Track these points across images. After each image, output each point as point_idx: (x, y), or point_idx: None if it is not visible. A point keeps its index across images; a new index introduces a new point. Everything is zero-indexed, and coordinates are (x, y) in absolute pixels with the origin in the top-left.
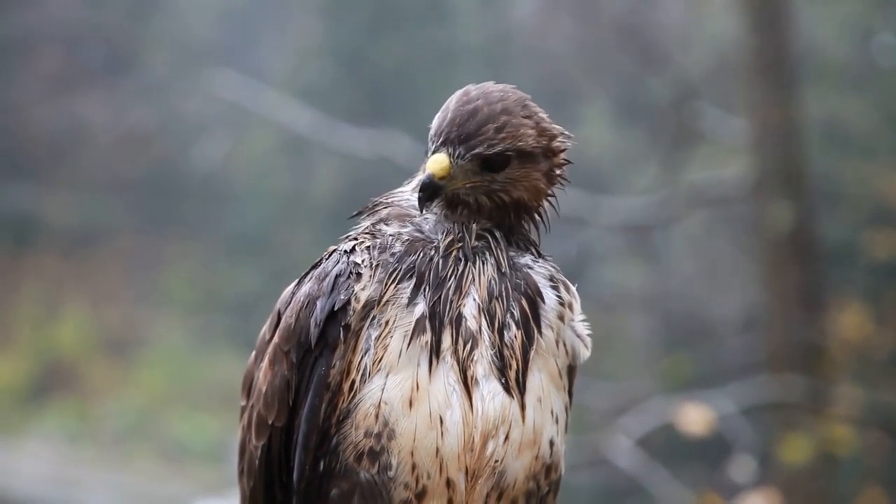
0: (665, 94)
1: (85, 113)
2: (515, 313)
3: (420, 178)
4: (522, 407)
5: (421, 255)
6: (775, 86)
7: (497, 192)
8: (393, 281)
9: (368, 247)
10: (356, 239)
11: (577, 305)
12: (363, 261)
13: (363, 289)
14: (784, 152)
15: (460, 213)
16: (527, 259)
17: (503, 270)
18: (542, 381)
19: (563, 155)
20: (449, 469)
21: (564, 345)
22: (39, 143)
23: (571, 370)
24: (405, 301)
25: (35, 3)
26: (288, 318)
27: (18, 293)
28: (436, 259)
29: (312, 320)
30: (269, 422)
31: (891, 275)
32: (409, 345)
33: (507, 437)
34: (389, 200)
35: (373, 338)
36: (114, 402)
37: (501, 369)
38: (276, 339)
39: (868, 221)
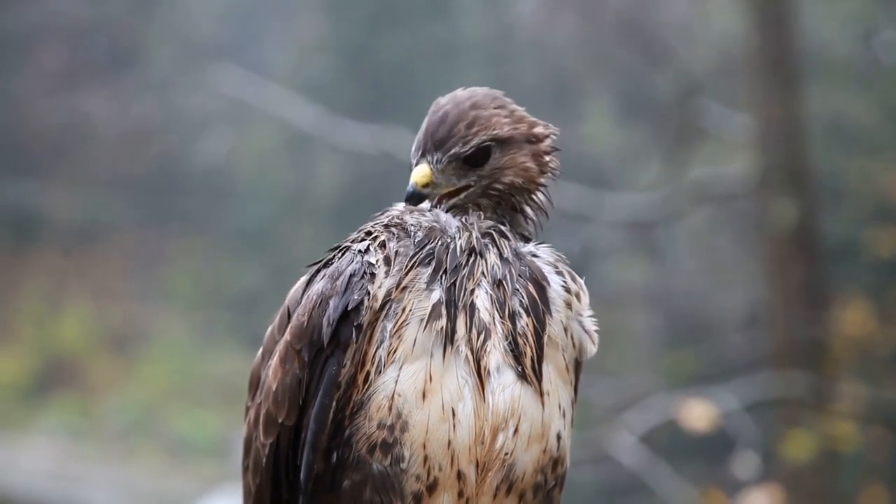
0: (669, 91)
1: (88, 108)
2: (524, 300)
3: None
4: (541, 393)
5: (439, 242)
6: (779, 83)
7: (490, 186)
8: (413, 265)
9: (383, 242)
10: (370, 236)
11: (585, 298)
12: (377, 261)
13: (380, 287)
14: (787, 149)
15: (468, 213)
16: (530, 247)
17: (506, 257)
18: (550, 375)
19: (548, 142)
20: (460, 461)
21: (572, 337)
22: (42, 138)
23: (578, 365)
24: (423, 286)
25: None
26: (300, 317)
27: (20, 289)
28: (452, 246)
29: (325, 319)
30: (279, 420)
31: (894, 272)
32: (424, 329)
33: (516, 430)
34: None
35: (388, 329)
36: (116, 398)
37: (517, 357)
38: (287, 336)
39: (871, 218)
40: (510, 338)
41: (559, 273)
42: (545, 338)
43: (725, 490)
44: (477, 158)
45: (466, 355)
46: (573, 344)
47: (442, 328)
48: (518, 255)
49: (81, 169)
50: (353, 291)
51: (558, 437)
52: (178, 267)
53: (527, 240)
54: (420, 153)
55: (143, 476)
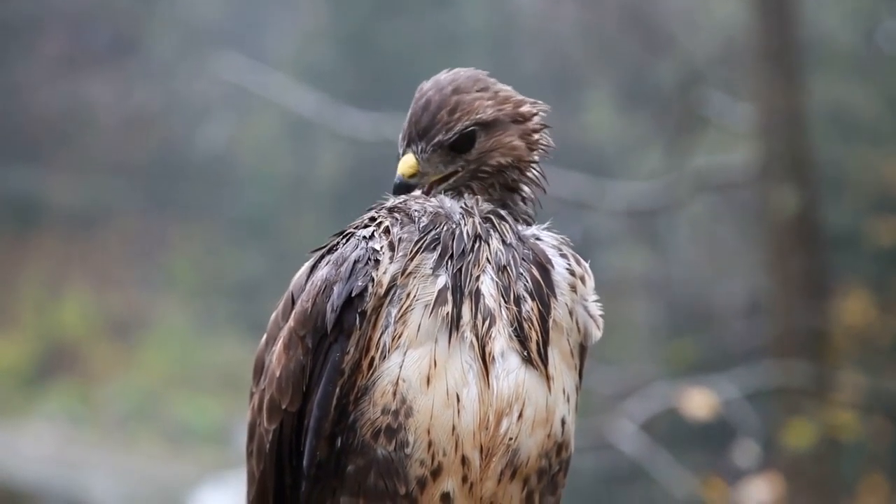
0: (670, 80)
1: (89, 95)
2: (528, 284)
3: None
4: (548, 378)
5: (444, 227)
6: (781, 72)
7: (479, 169)
8: (418, 250)
9: (388, 228)
10: (375, 222)
11: (590, 282)
12: (381, 247)
13: (384, 273)
14: (789, 138)
15: (464, 196)
16: (532, 230)
17: (511, 242)
18: (554, 359)
19: (536, 119)
20: (464, 447)
21: (577, 321)
22: (44, 124)
23: (583, 350)
24: (428, 271)
25: None
26: (304, 303)
27: (22, 275)
28: (457, 232)
29: (329, 305)
30: (283, 406)
31: (895, 261)
32: (430, 315)
33: (520, 415)
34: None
35: (393, 314)
36: (117, 384)
37: (522, 342)
38: (291, 322)
39: (872, 208)
40: (515, 323)
41: (563, 256)
42: (550, 321)
43: (726, 478)
44: (462, 144)
45: (471, 341)
46: (578, 328)
47: (447, 314)
48: (521, 238)
49: (83, 155)
50: (357, 278)
51: (563, 422)
52: (178, 253)
53: (528, 223)
54: (405, 143)
55: (143, 462)
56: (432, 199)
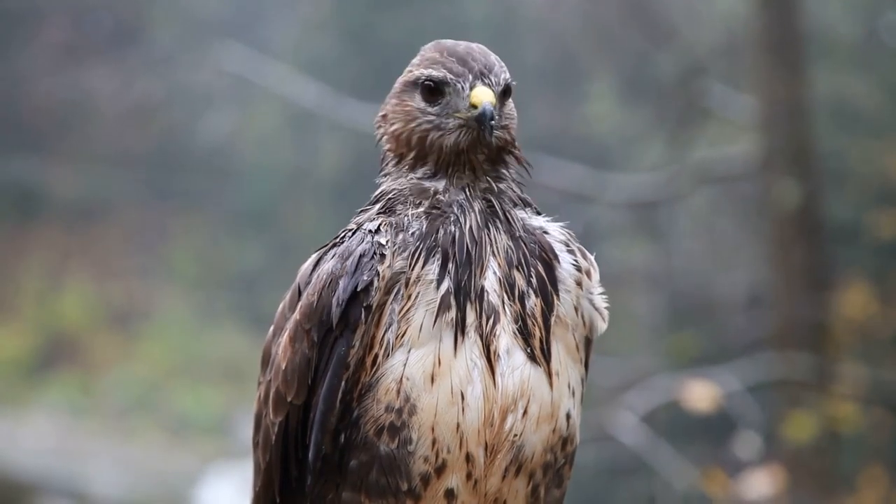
0: (672, 71)
1: (91, 85)
2: (533, 280)
3: (472, 113)
4: (549, 374)
5: (443, 232)
6: (783, 64)
7: (498, 130)
8: (417, 260)
9: (393, 223)
10: (382, 215)
11: (595, 275)
12: (387, 241)
13: (388, 267)
14: (791, 130)
15: (460, 174)
16: (539, 221)
17: (517, 235)
18: (559, 354)
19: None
20: (469, 444)
21: (582, 315)
22: (45, 114)
23: (588, 342)
24: (430, 278)
25: None
26: (310, 296)
27: (22, 265)
28: (457, 234)
29: (335, 299)
30: (288, 399)
31: (895, 254)
32: (434, 322)
33: (525, 412)
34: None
35: (396, 312)
36: (117, 375)
37: (526, 338)
38: (297, 315)
39: (874, 201)
40: (519, 320)
41: (570, 251)
42: (553, 318)
43: (727, 470)
44: (506, 94)
45: (476, 339)
46: (584, 322)
47: (452, 319)
48: (527, 229)
49: (84, 146)
50: (362, 272)
51: (567, 417)
52: (179, 244)
53: (524, 202)
54: (472, 76)
55: (144, 453)
56: (423, 203)
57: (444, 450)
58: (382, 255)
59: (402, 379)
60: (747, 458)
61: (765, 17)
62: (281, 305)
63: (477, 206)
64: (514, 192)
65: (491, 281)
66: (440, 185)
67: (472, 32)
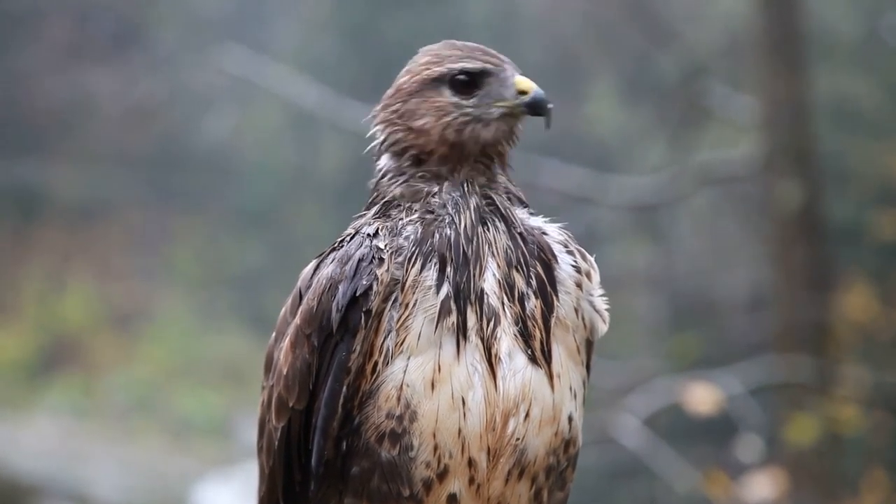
0: (674, 72)
1: (92, 86)
2: (533, 282)
3: (522, 99)
4: (550, 376)
5: (438, 236)
6: (784, 64)
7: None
8: (413, 266)
9: (391, 228)
10: (379, 219)
11: (595, 276)
12: (385, 245)
13: (387, 271)
14: (793, 131)
15: (459, 169)
16: (537, 222)
17: (517, 232)
18: (560, 357)
19: None
20: (471, 449)
21: (583, 317)
22: (46, 115)
23: (589, 344)
24: (429, 284)
25: None
26: (310, 301)
27: (24, 267)
28: (454, 237)
29: (334, 304)
30: (290, 404)
31: None
32: (436, 327)
33: (527, 415)
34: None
35: (395, 319)
36: (119, 376)
37: (527, 340)
38: (297, 320)
39: (875, 201)
40: (520, 321)
41: (570, 252)
42: (553, 320)
43: (728, 473)
44: None
45: (477, 343)
46: (584, 324)
47: (453, 324)
48: (527, 229)
49: (85, 146)
50: (361, 276)
51: (570, 419)
52: (181, 245)
53: (519, 200)
54: (510, 67)
55: (146, 455)
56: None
57: (445, 455)
58: (381, 260)
59: (402, 386)
60: (749, 460)
61: (766, 17)
62: (283, 310)
63: (473, 202)
64: (512, 190)
65: (490, 282)
66: (434, 186)
67: (473, 33)
